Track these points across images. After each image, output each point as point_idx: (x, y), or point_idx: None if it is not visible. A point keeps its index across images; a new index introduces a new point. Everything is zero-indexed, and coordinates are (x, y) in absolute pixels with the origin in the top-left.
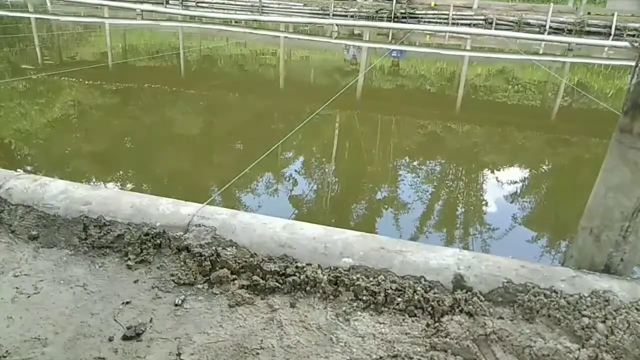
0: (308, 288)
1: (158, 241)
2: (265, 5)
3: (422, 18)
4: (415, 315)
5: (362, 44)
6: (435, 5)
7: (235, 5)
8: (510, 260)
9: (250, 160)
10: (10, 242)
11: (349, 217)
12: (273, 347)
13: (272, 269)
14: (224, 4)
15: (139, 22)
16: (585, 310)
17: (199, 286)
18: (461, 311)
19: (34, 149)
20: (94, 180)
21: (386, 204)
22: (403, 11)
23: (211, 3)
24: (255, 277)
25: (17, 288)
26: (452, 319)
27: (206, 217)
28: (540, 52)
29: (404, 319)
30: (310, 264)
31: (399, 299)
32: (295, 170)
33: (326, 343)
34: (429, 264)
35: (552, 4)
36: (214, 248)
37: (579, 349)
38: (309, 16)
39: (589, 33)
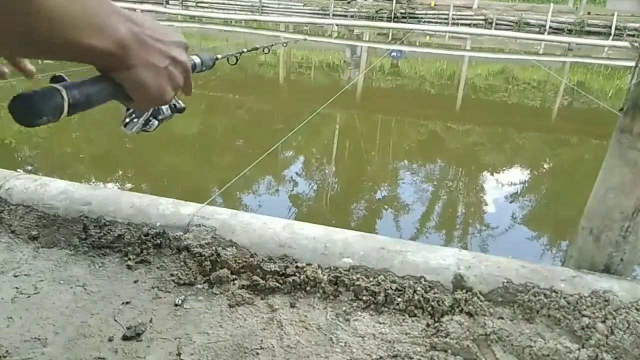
0: (308, 288)
1: (158, 241)
2: (265, 5)
3: (422, 18)
4: (415, 315)
5: (362, 44)
6: (435, 5)
7: (235, 5)
8: (510, 260)
9: (249, 160)
10: (10, 242)
11: (349, 217)
12: (273, 347)
13: (272, 269)
14: (223, 4)
15: None
16: (585, 310)
17: (199, 286)
18: (461, 311)
19: (34, 148)
20: (93, 180)
21: (386, 204)
22: (403, 11)
23: (211, 3)
24: (255, 277)
25: (17, 288)
26: (452, 319)
27: (206, 217)
28: (540, 52)
29: (404, 319)
30: (310, 264)
31: (399, 299)
32: (295, 171)
33: (326, 343)
34: (429, 264)
35: (552, 4)
36: (214, 248)
37: (579, 349)
38: (309, 16)
39: (589, 33)
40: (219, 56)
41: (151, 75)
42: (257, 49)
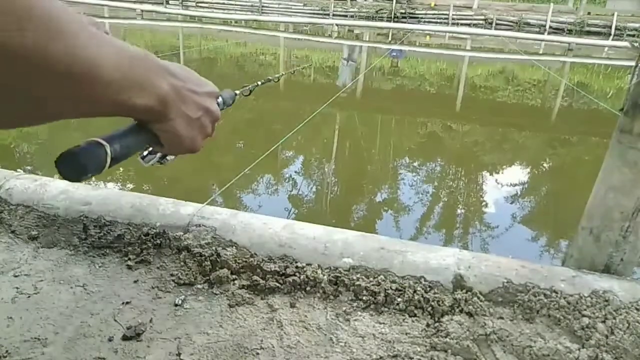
0: (308, 288)
1: (158, 241)
2: (265, 5)
3: (422, 18)
4: (415, 315)
5: (362, 44)
6: (435, 5)
7: (235, 5)
8: (510, 260)
9: (249, 159)
10: (10, 242)
11: (349, 217)
12: (273, 347)
13: (272, 269)
14: (224, 4)
15: (139, 22)
16: (585, 310)
17: (199, 286)
18: (461, 311)
19: (34, 148)
20: (93, 179)
21: (386, 204)
22: (403, 11)
23: (211, 3)
24: (255, 277)
25: (17, 288)
26: (452, 319)
27: (206, 217)
28: (540, 52)
29: (404, 319)
30: (310, 264)
31: (399, 299)
32: (295, 170)
33: (326, 343)
34: (429, 264)
35: (552, 4)
36: (214, 248)
37: (579, 349)
38: (309, 16)
39: (589, 33)
40: (237, 92)
41: (186, 126)
42: (270, 80)
